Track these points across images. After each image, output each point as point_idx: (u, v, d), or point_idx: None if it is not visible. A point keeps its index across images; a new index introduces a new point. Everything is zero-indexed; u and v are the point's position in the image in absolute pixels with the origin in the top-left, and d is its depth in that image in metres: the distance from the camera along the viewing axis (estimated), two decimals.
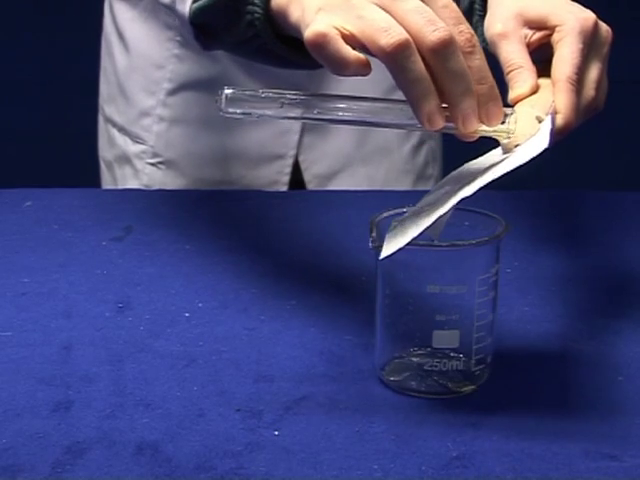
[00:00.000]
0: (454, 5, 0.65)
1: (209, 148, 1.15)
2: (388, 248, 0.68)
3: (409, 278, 0.72)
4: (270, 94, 0.68)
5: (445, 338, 0.72)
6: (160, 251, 0.96)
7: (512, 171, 0.67)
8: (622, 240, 0.99)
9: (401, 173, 1.20)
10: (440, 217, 0.67)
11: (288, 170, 1.16)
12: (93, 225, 1.01)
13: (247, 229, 1.01)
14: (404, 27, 0.63)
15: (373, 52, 0.64)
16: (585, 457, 0.66)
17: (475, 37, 0.65)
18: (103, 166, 1.25)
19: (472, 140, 0.67)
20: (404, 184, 1.20)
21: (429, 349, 0.73)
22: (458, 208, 0.75)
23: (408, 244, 0.67)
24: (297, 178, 1.17)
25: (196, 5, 0.80)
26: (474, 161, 0.72)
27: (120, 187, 1.21)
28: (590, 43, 0.74)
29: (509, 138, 0.68)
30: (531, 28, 0.76)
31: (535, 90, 0.73)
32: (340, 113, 0.67)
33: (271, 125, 1.14)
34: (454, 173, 0.72)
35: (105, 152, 1.24)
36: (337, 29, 0.64)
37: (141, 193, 1.14)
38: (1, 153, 2.44)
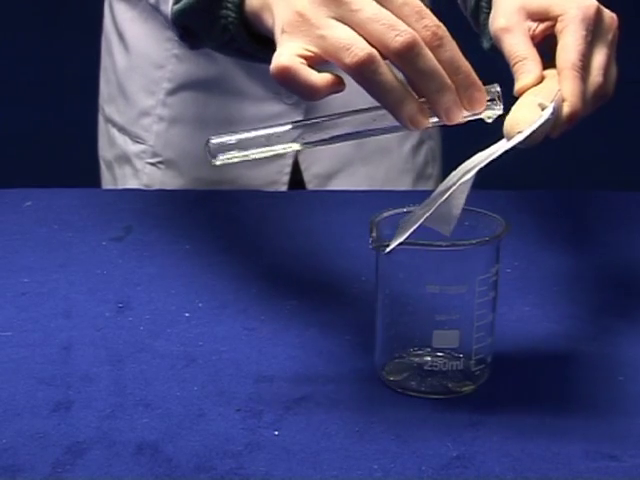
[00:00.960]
0: (414, 0, 0.65)
1: None
2: (393, 243, 0.68)
3: (409, 278, 0.72)
4: (252, 135, 0.68)
5: (445, 338, 0.72)
6: (160, 251, 0.96)
7: (510, 149, 0.67)
8: (623, 240, 0.99)
9: (401, 173, 1.20)
10: (443, 208, 0.67)
11: (288, 170, 1.16)
12: (93, 225, 1.01)
13: (247, 229, 1.01)
14: (366, 38, 0.64)
15: (341, 69, 0.64)
16: (585, 457, 0.66)
17: (442, 28, 0.65)
18: (103, 166, 1.25)
19: (464, 123, 0.68)
20: (404, 184, 1.20)
21: (429, 349, 0.73)
22: None
23: (410, 238, 0.67)
24: (297, 178, 1.17)
25: (176, 7, 0.81)
26: (478, 154, 0.71)
27: (120, 187, 1.21)
28: (593, 30, 0.73)
29: (498, 113, 0.68)
30: (534, 20, 0.75)
31: (540, 80, 0.73)
32: (327, 134, 0.68)
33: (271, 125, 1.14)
34: (460, 166, 0.72)
35: (105, 152, 1.24)
36: (300, 55, 0.64)
37: (141, 193, 1.14)
38: (1, 153, 2.44)
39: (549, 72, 0.73)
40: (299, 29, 0.65)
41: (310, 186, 1.17)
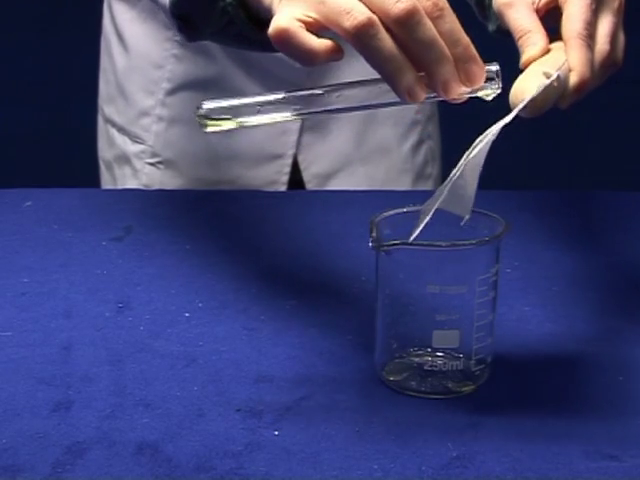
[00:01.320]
0: None
1: (208, 148, 1.16)
2: (415, 231, 0.68)
3: (409, 278, 0.72)
4: (247, 100, 0.67)
5: (445, 338, 0.72)
6: (160, 251, 0.96)
7: (515, 118, 0.66)
8: (623, 240, 0.99)
9: (400, 172, 1.20)
10: (458, 189, 0.66)
11: (287, 170, 1.16)
12: (93, 225, 1.01)
13: (247, 229, 1.01)
14: (366, 5, 0.63)
15: (340, 36, 0.63)
16: (585, 457, 0.66)
17: (442, 0, 0.64)
18: (102, 167, 1.25)
19: (462, 102, 0.67)
20: (403, 183, 1.20)
21: (429, 349, 0.73)
22: None
23: (420, 238, 0.68)
24: (296, 178, 1.17)
25: None
26: (486, 132, 0.71)
27: (120, 187, 1.21)
28: None
29: (497, 91, 0.68)
30: None
31: (546, 52, 0.72)
32: (322, 106, 0.67)
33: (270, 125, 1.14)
34: (472, 146, 0.71)
35: (105, 152, 1.24)
36: (300, 20, 0.63)
37: (141, 193, 1.14)
38: (1, 153, 2.44)
39: (555, 44, 0.72)
40: None
41: (309, 186, 1.17)
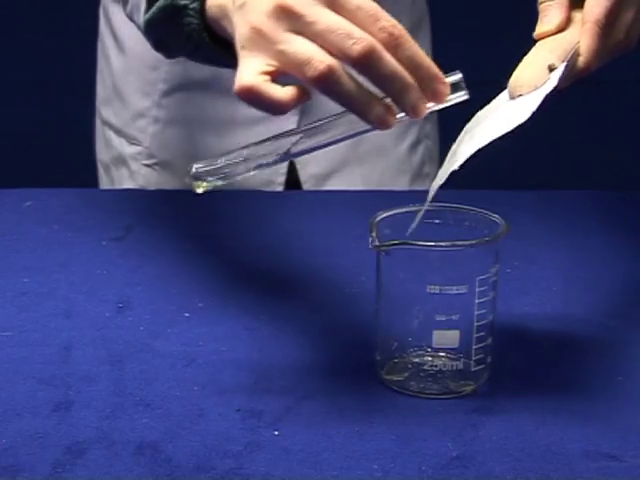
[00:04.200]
0: (367, 2, 0.65)
1: (204, 149, 1.15)
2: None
3: (409, 278, 0.72)
4: (228, 156, 0.69)
5: (445, 338, 0.72)
6: (160, 251, 0.96)
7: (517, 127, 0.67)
8: (622, 240, 0.99)
9: (397, 173, 1.20)
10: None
11: (284, 170, 1.16)
12: (93, 225, 1.01)
13: (247, 229, 1.01)
14: (325, 48, 0.64)
15: (303, 82, 0.65)
16: (585, 457, 0.66)
17: (398, 27, 0.65)
18: (100, 169, 1.25)
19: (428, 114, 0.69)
20: (400, 184, 1.20)
21: (429, 349, 0.73)
22: (458, 208, 0.76)
23: (410, 239, 0.69)
24: (293, 178, 1.17)
25: (145, 18, 0.81)
26: (484, 109, 0.71)
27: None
28: None
29: (465, 97, 0.68)
30: None
31: (563, 27, 0.72)
32: (301, 146, 0.70)
33: (266, 125, 1.14)
34: (469, 124, 0.72)
35: (102, 154, 1.24)
36: (263, 72, 0.65)
37: (141, 193, 1.14)
38: (1, 153, 2.44)
39: (576, 16, 0.72)
40: (258, 45, 0.66)
41: (306, 186, 1.17)
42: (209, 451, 0.66)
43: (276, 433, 0.68)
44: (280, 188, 1.16)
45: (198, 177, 0.69)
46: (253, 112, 1.12)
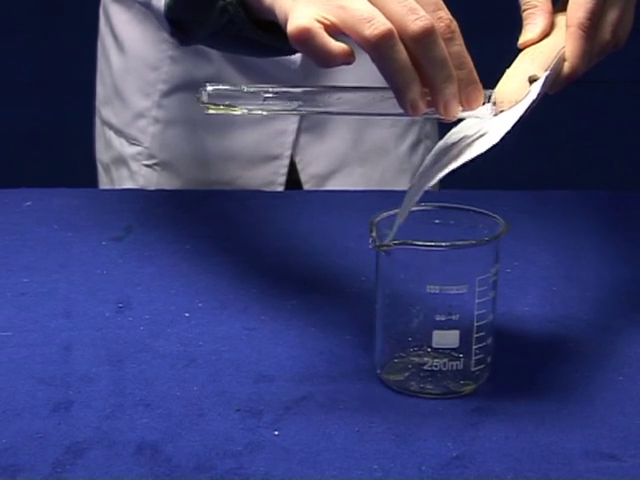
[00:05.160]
0: None
1: (204, 149, 1.15)
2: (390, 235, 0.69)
3: (409, 278, 0.72)
4: (252, 89, 0.67)
5: (445, 338, 0.72)
6: (160, 251, 0.96)
7: (498, 142, 0.67)
8: (622, 240, 0.99)
9: (398, 173, 1.20)
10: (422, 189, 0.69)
11: (284, 171, 1.16)
12: (93, 225, 1.01)
13: (247, 229, 1.01)
14: (385, 16, 0.63)
15: (357, 42, 0.64)
16: (585, 457, 0.66)
17: (454, 22, 0.65)
18: (100, 169, 1.25)
19: (452, 121, 0.68)
20: (401, 184, 1.20)
21: (429, 349, 0.73)
22: (458, 208, 0.76)
23: (410, 239, 0.68)
24: (293, 178, 1.17)
25: None
26: (457, 128, 0.71)
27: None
28: None
29: (489, 118, 0.68)
30: None
31: (546, 34, 0.72)
32: (322, 105, 0.67)
33: (267, 126, 1.14)
34: (441, 144, 0.72)
35: (102, 155, 1.24)
36: (319, 21, 0.64)
37: (141, 193, 1.14)
38: (1, 153, 2.44)
39: (559, 21, 0.72)
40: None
41: (307, 187, 1.17)
42: (209, 451, 0.66)
43: (276, 433, 0.68)
44: (280, 188, 1.16)
45: (212, 98, 0.67)
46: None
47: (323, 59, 0.64)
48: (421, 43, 0.64)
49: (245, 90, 0.67)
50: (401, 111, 0.66)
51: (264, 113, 0.68)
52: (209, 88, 0.67)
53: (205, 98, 0.68)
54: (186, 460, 0.66)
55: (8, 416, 0.70)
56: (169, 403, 0.72)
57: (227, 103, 0.68)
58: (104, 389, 0.73)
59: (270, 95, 0.67)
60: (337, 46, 0.64)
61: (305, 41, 0.64)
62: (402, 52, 0.64)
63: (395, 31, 0.63)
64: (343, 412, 0.71)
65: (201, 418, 0.70)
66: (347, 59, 0.65)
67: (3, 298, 0.87)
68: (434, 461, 0.66)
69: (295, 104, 0.67)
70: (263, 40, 0.76)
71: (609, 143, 2.51)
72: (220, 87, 0.68)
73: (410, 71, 0.64)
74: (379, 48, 0.63)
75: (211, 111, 0.68)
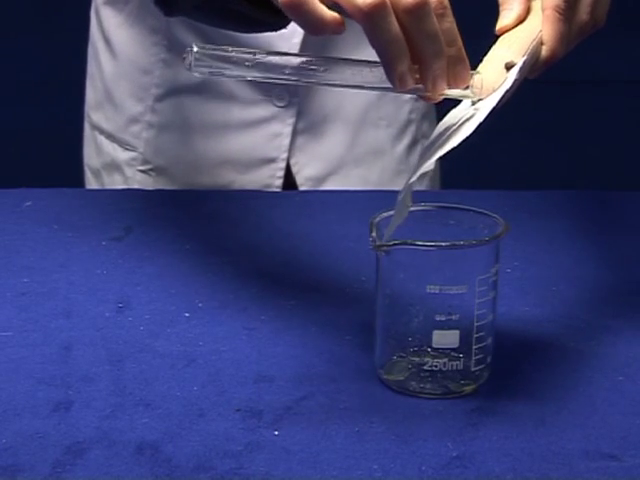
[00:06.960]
0: None
1: (200, 154, 1.15)
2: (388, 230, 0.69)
3: (409, 278, 0.72)
4: (240, 53, 0.66)
5: (445, 338, 0.72)
6: (160, 251, 0.96)
7: (478, 126, 0.67)
8: (622, 240, 0.99)
9: (395, 174, 1.19)
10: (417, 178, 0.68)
11: (280, 174, 1.15)
12: (93, 225, 1.01)
13: (247, 229, 1.01)
14: None
15: (349, 12, 0.64)
16: (585, 457, 0.66)
17: (447, 0, 0.65)
18: (89, 174, 1.23)
19: (436, 102, 0.68)
20: (398, 185, 1.19)
21: (429, 349, 0.73)
22: (458, 208, 0.76)
23: (410, 239, 0.68)
24: (289, 181, 1.16)
25: None
26: (446, 118, 0.72)
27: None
28: None
29: (473, 99, 0.68)
30: None
31: (523, 18, 0.72)
32: (309, 73, 0.67)
33: (262, 129, 1.13)
34: (434, 134, 0.72)
35: (92, 160, 1.22)
36: None
37: (141, 193, 1.13)
38: (1, 153, 2.44)
39: (536, 3, 0.72)
40: None
41: (303, 189, 1.17)
42: (209, 451, 0.67)
43: (276, 433, 0.68)
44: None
45: (198, 58, 0.66)
46: (248, 116, 1.13)
47: (314, 26, 0.64)
48: (414, 15, 0.64)
49: (232, 53, 0.66)
50: (389, 85, 0.66)
51: (249, 78, 0.67)
52: (195, 49, 0.66)
53: (191, 59, 0.66)
54: (186, 460, 0.66)
55: (8, 416, 0.70)
56: (169, 403, 0.72)
57: (212, 67, 0.66)
58: (104, 389, 0.73)
59: (259, 60, 0.66)
60: (329, 14, 0.64)
61: (296, 7, 0.64)
62: (394, 24, 0.63)
63: (388, 2, 0.63)
64: (343, 412, 0.71)
65: (201, 418, 0.70)
66: (338, 28, 0.65)
67: (3, 298, 0.87)
68: (434, 461, 0.66)
69: (282, 71, 0.67)
70: (250, 13, 0.76)
71: (609, 143, 2.51)
72: (207, 47, 0.66)
73: (401, 44, 0.64)
74: (371, 18, 0.63)
75: (196, 74, 0.67)
